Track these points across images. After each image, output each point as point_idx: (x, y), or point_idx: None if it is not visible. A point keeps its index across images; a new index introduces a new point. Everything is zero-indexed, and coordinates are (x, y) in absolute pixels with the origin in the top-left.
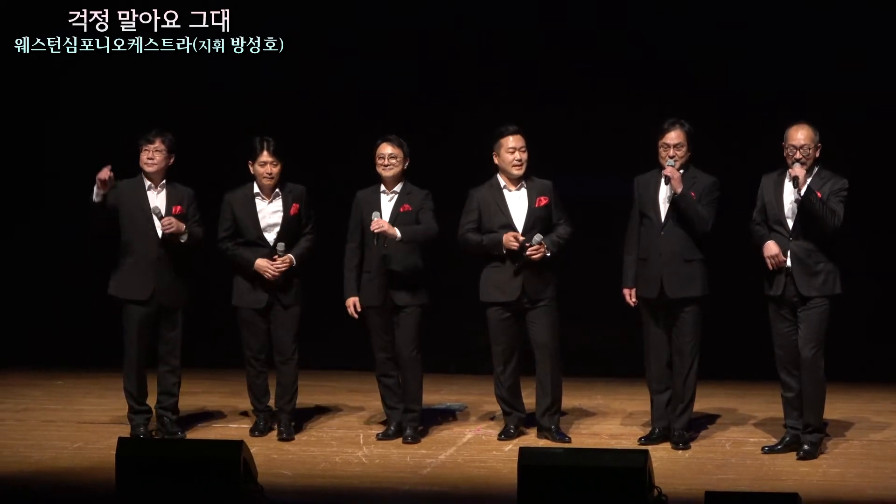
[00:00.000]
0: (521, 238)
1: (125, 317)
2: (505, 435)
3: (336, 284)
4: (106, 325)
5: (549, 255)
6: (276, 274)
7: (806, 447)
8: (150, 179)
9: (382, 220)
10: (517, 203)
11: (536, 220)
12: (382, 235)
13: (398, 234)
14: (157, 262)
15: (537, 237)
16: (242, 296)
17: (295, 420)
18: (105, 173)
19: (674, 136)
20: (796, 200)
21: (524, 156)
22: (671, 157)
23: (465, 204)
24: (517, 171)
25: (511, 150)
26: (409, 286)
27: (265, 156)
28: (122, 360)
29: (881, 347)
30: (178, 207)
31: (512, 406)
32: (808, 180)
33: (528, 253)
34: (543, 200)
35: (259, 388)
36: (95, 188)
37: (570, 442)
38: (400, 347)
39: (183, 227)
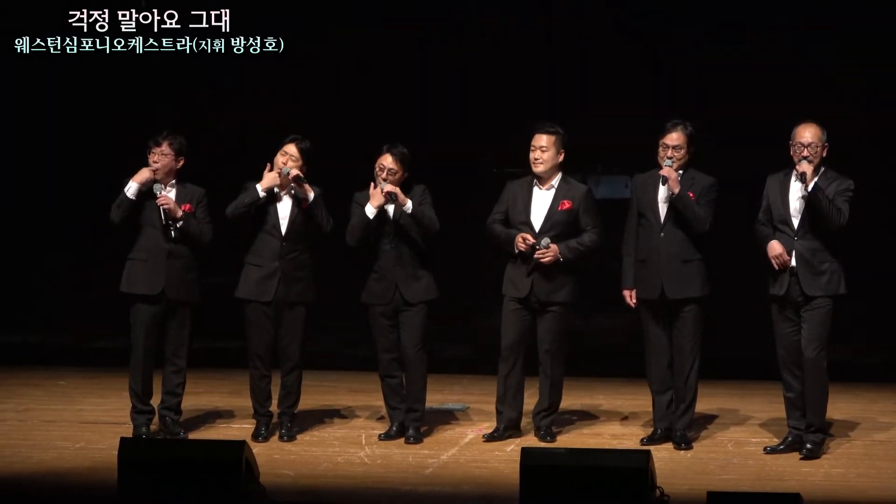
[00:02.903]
0: (531, 241)
1: (133, 315)
2: (490, 437)
3: (335, 283)
4: (107, 324)
5: (561, 259)
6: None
7: (808, 447)
8: (159, 180)
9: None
10: (540, 202)
11: (556, 223)
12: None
13: (409, 202)
14: (168, 259)
15: (545, 241)
16: (249, 287)
17: (296, 420)
18: (147, 174)
19: (674, 138)
20: (803, 196)
21: (543, 155)
22: (669, 158)
23: (501, 194)
24: (535, 169)
25: (532, 148)
26: (417, 283)
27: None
28: (124, 359)
29: (884, 347)
30: (188, 206)
31: (506, 404)
32: (815, 179)
33: (536, 255)
34: (567, 204)
35: (262, 393)
36: (134, 185)
37: (553, 442)
38: (405, 346)
39: (179, 211)
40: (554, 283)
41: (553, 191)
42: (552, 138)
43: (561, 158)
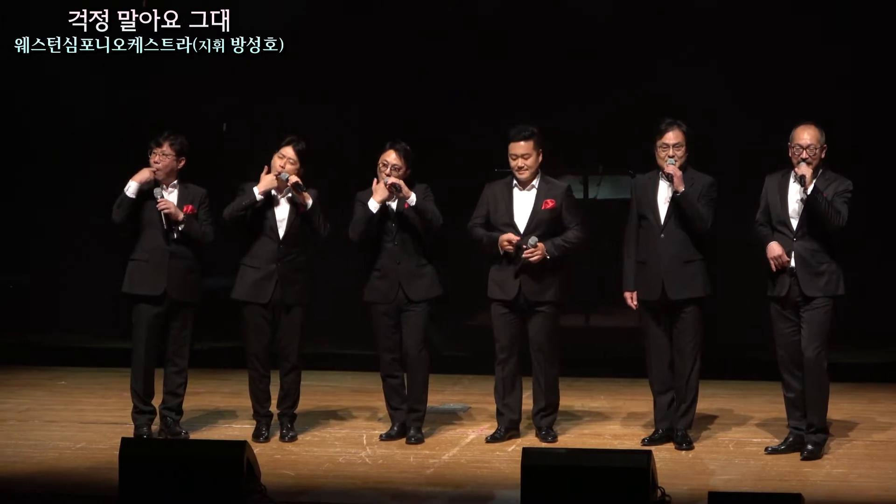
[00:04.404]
0: (517, 240)
1: (135, 316)
2: (492, 438)
3: (334, 282)
4: (109, 324)
5: (548, 257)
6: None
7: (809, 447)
8: (160, 180)
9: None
10: (523, 203)
11: (540, 223)
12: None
13: (413, 194)
14: (170, 260)
15: (532, 240)
16: (246, 289)
17: (298, 421)
18: (148, 174)
19: (672, 137)
20: (802, 199)
21: (526, 162)
22: (671, 157)
23: (480, 197)
24: (520, 176)
25: (513, 156)
26: (420, 280)
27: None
28: (125, 359)
29: (884, 348)
30: (190, 207)
31: (506, 406)
32: (814, 180)
33: (524, 255)
34: (550, 203)
35: (262, 393)
36: (134, 184)
37: (554, 442)
38: (407, 346)
39: (181, 214)
40: (542, 283)
41: (534, 191)
42: (530, 143)
43: (541, 158)
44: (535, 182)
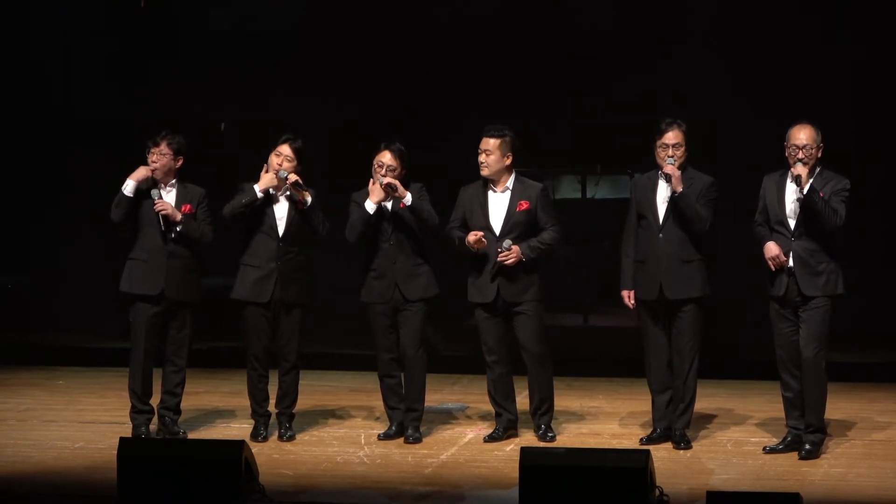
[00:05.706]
0: (480, 234)
1: (133, 315)
2: (490, 438)
3: (334, 283)
4: (108, 324)
5: (524, 259)
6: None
7: (807, 447)
8: (158, 180)
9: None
10: (498, 205)
11: (515, 224)
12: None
13: (409, 194)
14: (168, 259)
15: (506, 242)
16: (246, 289)
17: (296, 420)
18: (145, 172)
19: (671, 137)
20: (798, 199)
21: (487, 159)
22: (670, 157)
23: (456, 201)
24: (481, 172)
25: (479, 152)
26: (417, 280)
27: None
28: (124, 359)
29: (883, 348)
30: (188, 207)
31: (501, 407)
32: (811, 180)
33: (498, 259)
34: (525, 205)
35: (260, 393)
36: (131, 183)
37: (553, 441)
38: (405, 346)
39: (178, 215)
40: (519, 284)
41: (508, 192)
42: (497, 142)
43: (508, 161)
44: (509, 183)
